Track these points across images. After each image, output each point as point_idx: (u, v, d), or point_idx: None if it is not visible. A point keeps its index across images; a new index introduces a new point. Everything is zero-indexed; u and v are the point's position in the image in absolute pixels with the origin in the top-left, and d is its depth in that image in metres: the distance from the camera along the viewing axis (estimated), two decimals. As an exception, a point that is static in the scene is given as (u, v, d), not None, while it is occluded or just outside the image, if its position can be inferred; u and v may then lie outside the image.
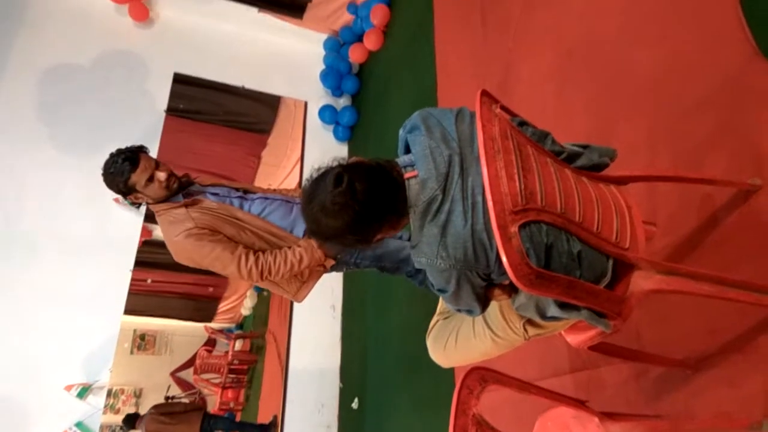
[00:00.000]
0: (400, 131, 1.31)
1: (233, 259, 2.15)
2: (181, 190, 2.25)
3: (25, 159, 4.44)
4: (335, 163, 1.19)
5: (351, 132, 5.43)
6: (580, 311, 1.26)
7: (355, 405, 4.12)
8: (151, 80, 5.21)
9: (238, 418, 8.69)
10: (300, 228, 2.30)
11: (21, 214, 4.31)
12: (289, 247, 2.24)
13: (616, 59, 2.16)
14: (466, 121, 1.23)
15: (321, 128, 5.54)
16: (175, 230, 2.16)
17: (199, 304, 9.67)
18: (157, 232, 7.72)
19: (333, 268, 2.39)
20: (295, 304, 5.55)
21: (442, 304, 1.75)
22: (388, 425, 3.70)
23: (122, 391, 9.62)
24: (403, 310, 3.80)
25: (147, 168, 2.14)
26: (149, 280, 6.34)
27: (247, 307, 9.47)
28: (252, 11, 5.41)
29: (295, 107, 6.17)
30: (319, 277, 2.39)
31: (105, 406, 8.10)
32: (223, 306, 9.82)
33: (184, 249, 2.16)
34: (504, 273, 1.20)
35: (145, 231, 6.39)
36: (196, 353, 8.57)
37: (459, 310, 1.37)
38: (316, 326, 5.10)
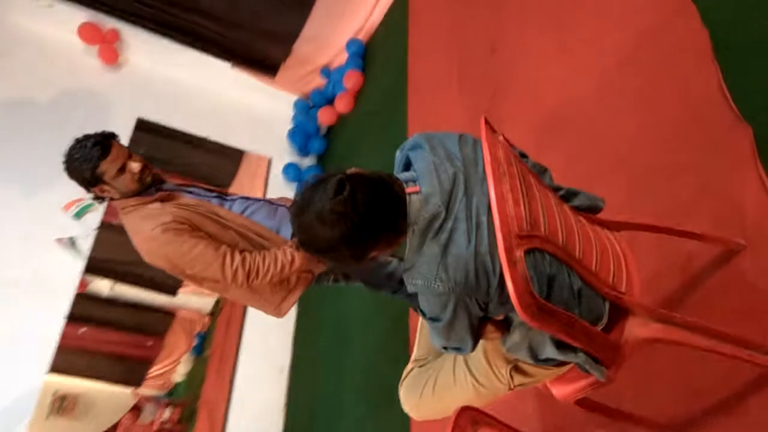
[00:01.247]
0: (397, 153, 1.26)
1: (217, 257, 1.89)
2: (153, 185, 2.02)
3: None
4: (335, 171, 1.11)
5: (314, 192, 5.38)
6: (577, 353, 1.18)
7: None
8: (113, 123, 5.01)
9: (160, 495, 8.00)
10: (287, 229, 2.08)
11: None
12: (278, 248, 2.01)
13: (595, 121, 2.21)
14: (469, 144, 1.19)
15: (283, 185, 5.47)
16: (150, 224, 1.90)
17: (129, 366, 9.09)
18: (93, 286, 7.32)
19: (320, 279, 2.18)
20: (238, 369, 5.28)
21: (418, 350, 1.64)
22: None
23: (34, 459, 8.73)
24: (359, 371, 3.62)
25: (119, 156, 1.91)
26: (82, 330, 5.90)
27: (180, 374, 8.94)
28: (225, 65, 5.42)
29: (258, 164, 6.11)
30: (307, 285, 2.14)
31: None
32: (154, 370, 9.25)
33: (159, 245, 1.89)
34: (503, 303, 1.13)
35: (82, 283, 6.04)
36: (118, 421, 7.94)
37: (445, 349, 1.27)
38: (260, 390, 4.80)
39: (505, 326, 1.25)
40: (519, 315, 1.04)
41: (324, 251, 1.11)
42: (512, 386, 1.39)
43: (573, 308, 1.15)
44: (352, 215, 1.04)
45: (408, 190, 1.12)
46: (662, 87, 1.98)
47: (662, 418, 1.55)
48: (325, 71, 5.47)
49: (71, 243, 4.19)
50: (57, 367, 8.16)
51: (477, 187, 1.11)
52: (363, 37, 5.29)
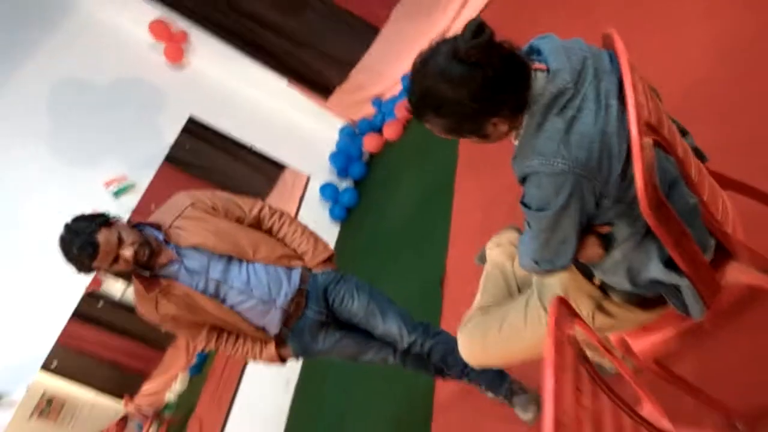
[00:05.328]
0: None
1: (191, 344, 2.23)
2: (153, 256, 2.01)
3: (17, 150, 4.25)
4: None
5: (347, 213, 5.37)
6: (681, 276, 1.11)
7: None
8: (165, 117, 5.19)
9: None
10: (271, 329, 2.19)
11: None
12: (253, 340, 2.21)
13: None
14: (594, 47, 1.17)
15: (318, 204, 5.48)
16: (141, 307, 2.13)
17: (124, 377, 8.86)
18: (106, 286, 7.26)
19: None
20: (245, 376, 5.09)
21: (481, 297, 1.56)
22: None
23: (2, 460, 8.40)
24: (370, 393, 3.47)
25: (108, 252, 1.90)
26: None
27: (174, 392, 8.68)
28: (281, 82, 5.56)
29: (294, 182, 6.15)
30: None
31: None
32: (148, 386, 9.00)
33: (148, 320, 2.16)
34: (619, 201, 1.08)
35: (96, 280, 5.99)
36: (105, 429, 7.65)
37: (536, 264, 1.19)
38: (262, 402, 4.61)
39: (605, 244, 1.18)
40: (641, 203, 0.99)
41: (446, 106, 1.07)
42: (593, 328, 1.31)
43: (686, 226, 1.09)
44: (486, 65, 1.02)
45: (534, 66, 1.09)
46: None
47: (736, 404, 1.44)
48: (377, 102, 5.58)
49: (105, 217, 4.18)
50: (50, 366, 7.96)
51: (606, 75, 1.08)
52: (419, 72, 5.42)
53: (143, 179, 4.76)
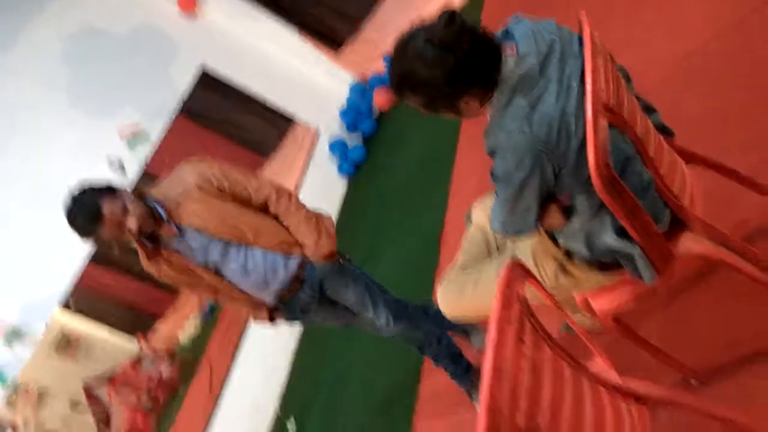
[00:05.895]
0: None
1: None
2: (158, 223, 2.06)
3: (35, 98, 4.38)
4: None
5: (355, 169, 5.48)
6: (633, 245, 1.23)
7: (291, 427, 3.83)
8: (177, 67, 5.28)
9: (142, 446, 8.02)
10: (266, 301, 2.26)
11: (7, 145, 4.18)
12: (247, 303, 2.28)
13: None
14: (566, 29, 1.26)
15: (326, 159, 5.59)
16: (144, 264, 2.18)
17: (138, 318, 9.20)
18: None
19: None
20: (250, 329, 5.33)
21: (461, 257, 1.69)
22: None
23: (26, 387, 8.87)
24: (371, 344, 3.65)
25: (113, 222, 1.92)
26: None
27: (186, 334, 9.03)
28: (293, 36, 5.58)
29: (304, 136, 6.24)
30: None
31: (3, 398, 7.38)
32: (161, 326, 9.34)
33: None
34: (575, 175, 1.18)
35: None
36: (118, 367, 8.02)
37: (505, 231, 1.31)
38: (267, 350, 4.84)
39: (566, 213, 1.29)
40: (593, 181, 1.10)
41: (421, 85, 1.18)
42: (554, 284, 1.43)
43: (639, 200, 1.19)
44: (458, 49, 1.12)
45: (505, 49, 1.19)
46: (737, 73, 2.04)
47: (693, 363, 1.56)
48: (388, 58, 5.58)
49: (120, 164, 4.33)
50: (68, 305, 8.27)
51: (571, 59, 1.17)
52: (431, 29, 5.41)
53: (156, 129, 4.88)
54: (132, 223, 1.94)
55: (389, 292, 2.35)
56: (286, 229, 2.16)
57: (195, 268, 2.15)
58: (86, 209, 1.91)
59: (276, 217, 2.16)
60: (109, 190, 1.96)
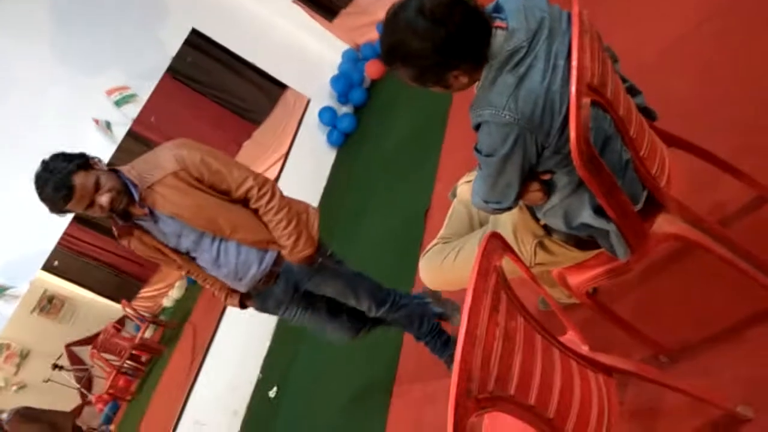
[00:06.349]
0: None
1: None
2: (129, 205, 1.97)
3: (20, 53, 4.30)
4: None
5: (345, 139, 5.47)
6: (609, 222, 1.26)
7: (272, 394, 3.90)
8: (167, 28, 5.17)
9: (122, 410, 8.09)
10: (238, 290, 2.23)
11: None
12: (220, 287, 2.24)
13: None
14: (555, 7, 1.27)
15: (316, 128, 5.56)
16: (117, 237, 2.10)
17: (122, 282, 9.17)
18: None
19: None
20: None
21: (445, 230, 1.73)
22: (308, 423, 3.50)
23: (8, 347, 8.85)
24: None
25: (84, 196, 1.82)
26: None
27: (171, 298, 9.03)
28: (285, 1, 5.49)
29: (294, 105, 6.18)
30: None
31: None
32: (145, 291, 9.34)
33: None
34: (557, 152, 1.21)
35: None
36: (100, 330, 8.02)
37: (486, 203, 1.34)
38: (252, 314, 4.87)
39: (546, 189, 1.32)
40: (573, 157, 1.12)
41: (411, 57, 1.19)
42: (533, 263, 1.47)
43: (618, 177, 1.22)
44: (449, 22, 1.13)
45: (495, 24, 1.20)
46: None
47: (663, 340, 1.62)
48: (381, 25, 5.53)
49: (107, 125, 4.28)
50: (53, 267, 8.21)
51: (559, 37, 1.19)
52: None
53: (145, 90, 4.80)
54: (104, 198, 1.86)
55: (370, 278, 2.35)
56: (266, 225, 2.09)
57: (167, 251, 2.09)
58: (56, 178, 1.79)
59: (256, 211, 2.09)
60: (83, 161, 1.86)
